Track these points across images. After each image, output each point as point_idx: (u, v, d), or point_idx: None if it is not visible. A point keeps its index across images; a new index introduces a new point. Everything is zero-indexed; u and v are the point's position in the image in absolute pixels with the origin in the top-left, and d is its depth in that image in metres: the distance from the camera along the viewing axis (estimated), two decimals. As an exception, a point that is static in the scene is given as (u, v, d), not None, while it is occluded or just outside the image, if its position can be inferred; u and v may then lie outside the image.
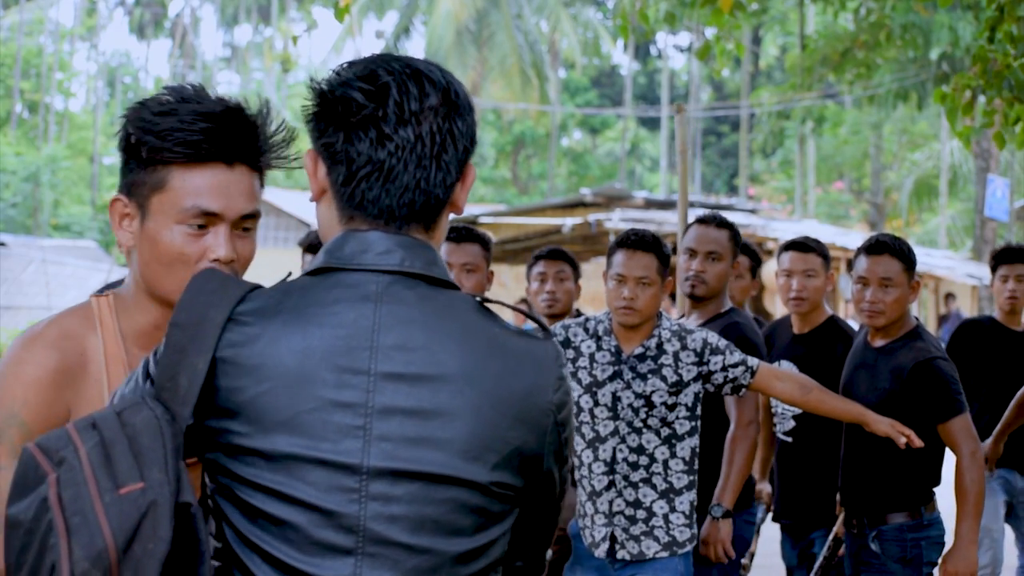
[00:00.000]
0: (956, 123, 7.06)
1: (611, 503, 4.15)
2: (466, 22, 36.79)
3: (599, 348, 4.23)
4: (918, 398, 4.24)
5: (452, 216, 1.81)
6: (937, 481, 4.40)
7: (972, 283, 23.79)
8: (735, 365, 4.12)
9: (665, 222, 20.23)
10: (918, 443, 3.86)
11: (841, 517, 4.69)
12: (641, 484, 4.13)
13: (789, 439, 4.98)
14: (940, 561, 4.20)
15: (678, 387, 4.14)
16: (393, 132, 1.68)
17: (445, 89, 1.71)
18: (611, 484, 4.15)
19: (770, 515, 5.23)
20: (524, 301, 5.67)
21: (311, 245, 4.95)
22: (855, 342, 4.62)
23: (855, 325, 6.55)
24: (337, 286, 1.68)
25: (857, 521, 4.38)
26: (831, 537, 4.65)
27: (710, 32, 9.45)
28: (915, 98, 22.39)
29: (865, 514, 4.35)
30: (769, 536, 5.42)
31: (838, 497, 4.69)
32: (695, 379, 4.15)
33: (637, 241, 4.19)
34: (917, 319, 4.53)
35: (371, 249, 1.69)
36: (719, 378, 4.13)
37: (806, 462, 4.93)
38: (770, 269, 20.45)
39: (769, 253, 21.49)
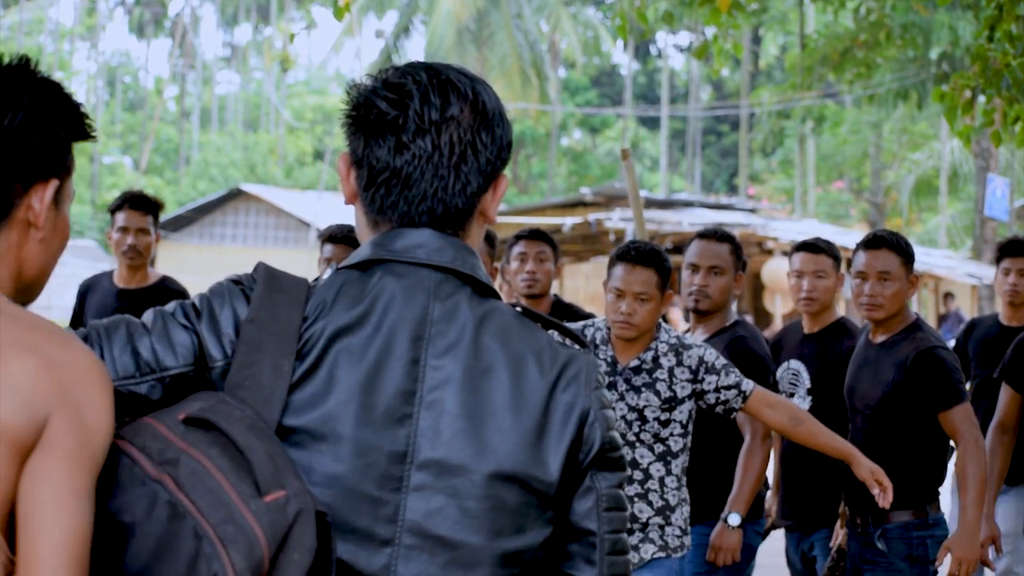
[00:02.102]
0: (955, 122, 7.07)
1: None
2: (466, 22, 36.78)
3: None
4: (920, 387, 4.28)
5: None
6: (941, 480, 4.42)
7: (972, 283, 23.80)
8: (728, 387, 4.06)
9: (665, 222, 20.24)
10: (886, 502, 3.82)
11: (839, 525, 4.68)
12: (636, 499, 4.07)
13: None
14: (944, 548, 4.24)
15: (671, 403, 4.09)
16: (411, 141, 1.72)
17: (472, 100, 1.75)
18: None
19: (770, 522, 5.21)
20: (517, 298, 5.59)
21: (332, 236, 4.97)
22: (858, 343, 4.63)
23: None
24: (389, 275, 1.72)
25: (861, 520, 4.39)
26: (835, 549, 4.64)
27: (710, 32, 9.45)
28: (915, 98, 22.40)
29: (870, 512, 4.36)
30: (771, 535, 5.42)
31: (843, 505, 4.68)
32: (689, 396, 4.10)
33: (637, 255, 4.11)
34: (917, 314, 4.56)
35: (424, 245, 1.73)
36: (711, 398, 4.08)
37: (810, 461, 4.92)
38: (770, 268, 20.50)
39: (769, 253, 21.51)
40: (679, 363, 4.10)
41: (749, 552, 4.75)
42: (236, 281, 1.73)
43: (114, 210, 5.76)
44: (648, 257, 4.11)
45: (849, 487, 4.47)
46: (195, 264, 29.73)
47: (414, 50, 39.94)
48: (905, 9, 17.63)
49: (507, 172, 1.82)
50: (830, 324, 5.05)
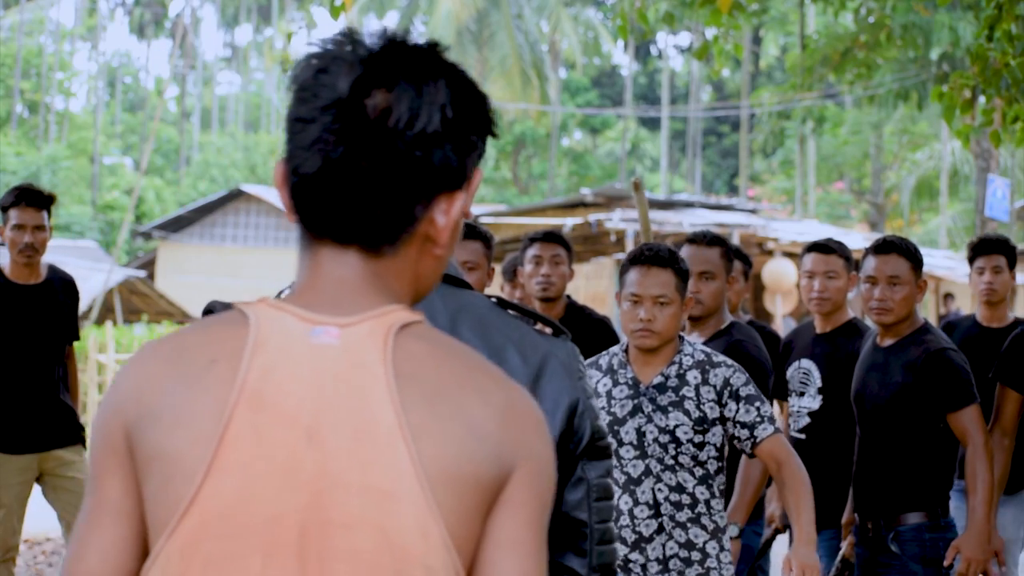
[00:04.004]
0: (953, 122, 7.07)
1: (664, 547, 3.77)
2: (466, 22, 36.78)
3: (615, 383, 3.87)
4: (930, 389, 4.31)
5: None
6: (951, 482, 4.44)
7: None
8: (744, 425, 3.77)
9: (666, 222, 20.22)
10: None
11: (843, 534, 4.68)
12: (690, 524, 3.78)
13: (803, 436, 4.99)
14: (953, 548, 4.27)
15: (704, 424, 3.77)
16: None
17: None
18: (660, 528, 3.78)
19: (773, 530, 5.18)
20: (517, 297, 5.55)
21: None
22: (864, 348, 4.64)
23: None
24: None
25: (873, 524, 4.40)
26: (838, 559, 4.63)
27: (710, 32, 9.45)
28: (915, 98, 22.38)
29: (881, 516, 4.38)
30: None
31: (848, 506, 4.67)
32: (718, 420, 3.78)
33: (652, 256, 3.81)
34: (925, 318, 4.59)
35: None
36: (728, 427, 3.80)
37: (818, 461, 4.90)
38: (771, 269, 20.48)
39: (769, 253, 21.49)
40: (704, 381, 3.80)
41: (748, 553, 4.75)
42: None
43: (7, 207, 5.63)
44: (664, 258, 3.82)
45: (860, 490, 4.47)
46: (196, 265, 29.73)
47: (414, 51, 39.89)
48: (905, 10, 17.61)
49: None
50: (842, 324, 5.06)
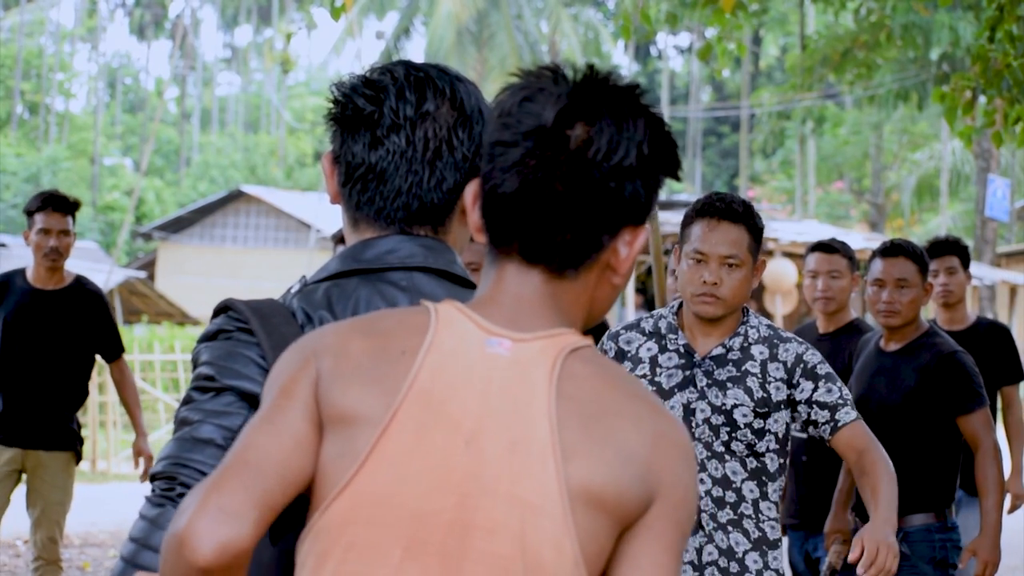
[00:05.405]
0: (955, 123, 7.07)
1: (700, 550, 3.21)
2: (466, 23, 36.78)
3: (663, 349, 3.32)
4: (941, 391, 4.35)
5: None
6: (955, 484, 4.47)
7: (972, 283, 23.79)
8: (823, 406, 3.23)
9: (666, 222, 20.23)
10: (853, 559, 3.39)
11: (840, 542, 4.66)
12: (731, 528, 3.21)
13: (804, 435, 4.97)
14: (967, 551, 4.31)
15: (766, 407, 3.22)
16: (385, 136, 1.74)
17: (450, 97, 1.75)
18: (698, 526, 3.20)
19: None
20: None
21: (344, 238, 4.99)
22: (865, 353, 4.64)
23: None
24: (364, 283, 1.72)
25: None
26: (827, 569, 4.61)
27: (711, 32, 9.45)
28: (915, 98, 22.40)
29: None
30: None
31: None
32: (784, 404, 3.23)
33: (725, 209, 3.26)
34: (930, 321, 4.62)
35: (395, 251, 1.74)
36: (802, 411, 3.24)
37: (821, 461, 4.89)
38: (771, 269, 20.49)
39: (769, 253, 21.50)
40: (773, 357, 3.25)
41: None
42: (220, 335, 1.68)
43: (33, 212, 5.66)
44: (737, 212, 3.26)
45: (860, 498, 4.47)
46: (195, 265, 29.73)
47: (414, 51, 39.94)
48: (906, 10, 17.61)
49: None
50: (845, 324, 5.09)
